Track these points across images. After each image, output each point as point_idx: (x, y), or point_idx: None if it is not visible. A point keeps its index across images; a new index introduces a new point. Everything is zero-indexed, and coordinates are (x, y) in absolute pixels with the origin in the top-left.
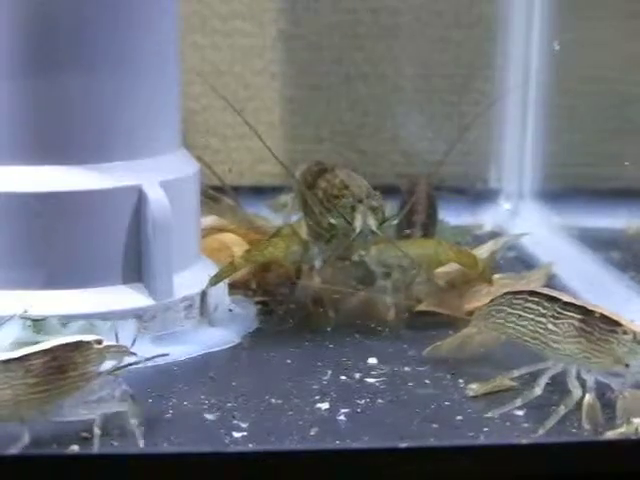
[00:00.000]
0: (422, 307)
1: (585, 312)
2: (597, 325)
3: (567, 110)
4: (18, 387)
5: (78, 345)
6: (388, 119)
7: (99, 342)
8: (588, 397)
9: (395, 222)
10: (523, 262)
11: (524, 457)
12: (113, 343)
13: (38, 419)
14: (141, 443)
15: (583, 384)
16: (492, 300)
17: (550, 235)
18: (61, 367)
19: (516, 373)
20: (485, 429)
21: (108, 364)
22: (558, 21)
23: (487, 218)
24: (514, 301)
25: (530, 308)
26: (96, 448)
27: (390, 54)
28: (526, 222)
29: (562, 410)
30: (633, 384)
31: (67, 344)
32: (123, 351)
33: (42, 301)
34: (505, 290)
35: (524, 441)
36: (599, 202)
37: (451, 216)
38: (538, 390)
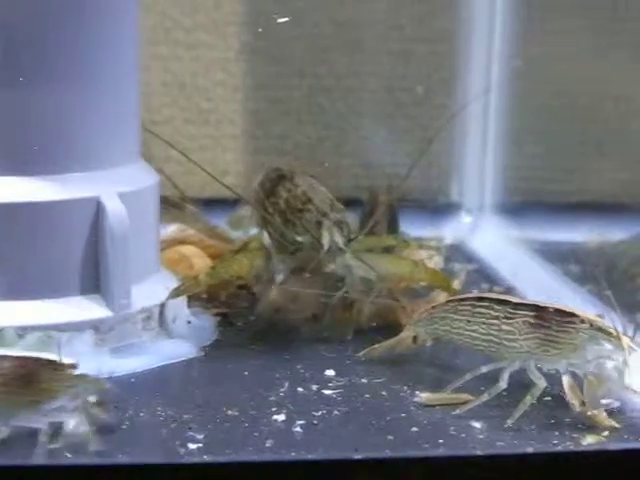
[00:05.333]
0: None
1: (538, 309)
2: (553, 319)
3: (528, 124)
4: None
5: (51, 363)
6: (350, 132)
7: (74, 367)
8: (566, 378)
9: (360, 237)
10: (483, 275)
11: (479, 468)
12: (89, 375)
13: None
14: (92, 446)
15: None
16: (433, 307)
17: (510, 248)
18: (26, 377)
19: (468, 377)
20: (440, 440)
21: None
22: (520, 36)
23: (448, 231)
24: (460, 307)
25: (480, 312)
26: (42, 458)
27: (353, 67)
28: (486, 235)
29: (529, 400)
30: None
31: (40, 359)
32: (98, 385)
33: None
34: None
35: (479, 452)
36: (559, 216)
37: (412, 229)
38: (503, 384)
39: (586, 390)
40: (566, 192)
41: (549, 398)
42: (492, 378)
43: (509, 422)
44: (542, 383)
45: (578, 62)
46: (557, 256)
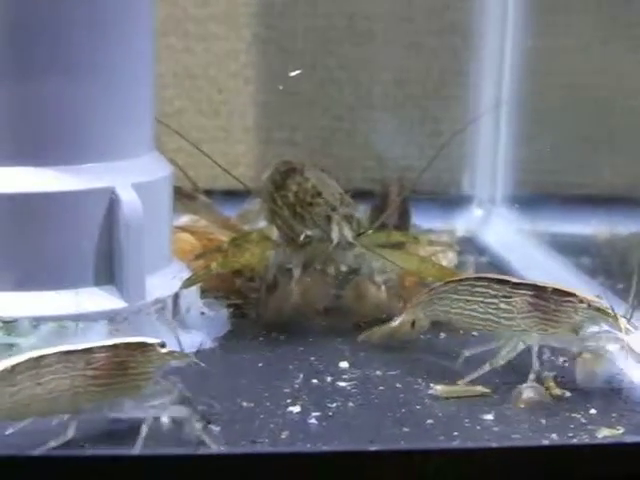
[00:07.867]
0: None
1: (537, 288)
2: (551, 298)
3: (539, 117)
4: (76, 378)
5: (141, 346)
6: (361, 124)
7: (162, 345)
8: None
9: (370, 232)
10: (495, 267)
11: (494, 460)
12: (176, 350)
13: (93, 413)
14: (214, 447)
15: None
16: (432, 289)
17: (521, 241)
18: (122, 364)
19: (467, 353)
20: (455, 432)
21: None
22: (531, 27)
23: (459, 224)
24: (459, 287)
25: (479, 292)
26: (138, 449)
27: (364, 60)
28: (498, 228)
29: (501, 357)
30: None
31: (131, 344)
32: (185, 358)
33: (13, 303)
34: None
35: (494, 444)
36: (570, 208)
37: (424, 221)
38: (501, 360)
39: (579, 367)
40: (577, 185)
41: (564, 391)
42: (506, 368)
43: (486, 367)
44: (519, 347)
45: (590, 55)
46: (568, 249)
